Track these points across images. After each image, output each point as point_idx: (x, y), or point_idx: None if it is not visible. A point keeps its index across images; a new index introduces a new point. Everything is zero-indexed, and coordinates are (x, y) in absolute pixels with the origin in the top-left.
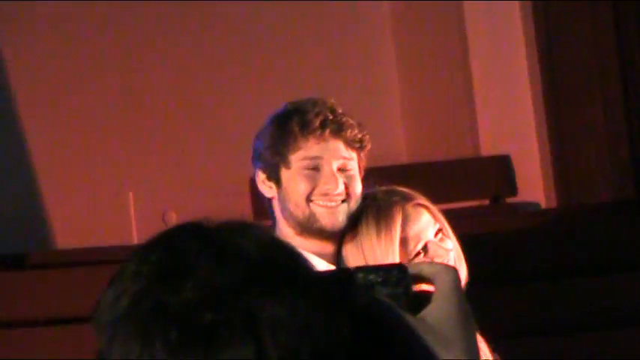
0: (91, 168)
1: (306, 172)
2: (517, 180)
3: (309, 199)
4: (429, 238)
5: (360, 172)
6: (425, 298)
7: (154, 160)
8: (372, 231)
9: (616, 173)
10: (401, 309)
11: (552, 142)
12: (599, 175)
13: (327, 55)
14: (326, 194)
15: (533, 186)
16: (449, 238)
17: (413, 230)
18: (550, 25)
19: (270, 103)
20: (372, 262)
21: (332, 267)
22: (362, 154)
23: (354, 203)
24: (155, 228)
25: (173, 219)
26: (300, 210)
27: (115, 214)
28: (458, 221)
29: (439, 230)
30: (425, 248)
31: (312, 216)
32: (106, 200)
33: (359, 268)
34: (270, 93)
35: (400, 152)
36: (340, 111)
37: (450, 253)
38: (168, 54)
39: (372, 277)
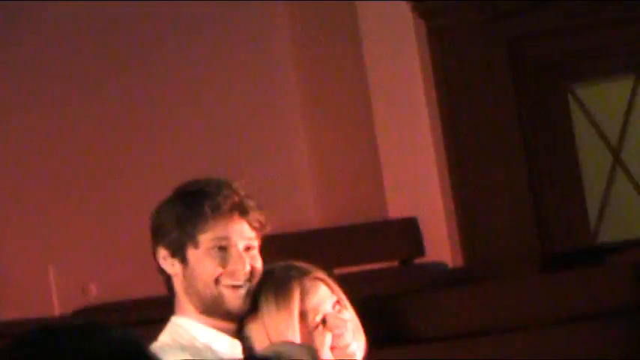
0: (12, 241)
1: (215, 251)
2: (425, 241)
3: (217, 281)
4: (327, 311)
5: (258, 251)
6: None
7: (73, 232)
8: (272, 307)
9: (520, 231)
10: None
11: (457, 203)
12: (504, 233)
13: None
14: (233, 274)
15: (441, 246)
16: (346, 309)
17: (311, 303)
18: (451, 89)
19: (184, 167)
20: (274, 337)
21: (236, 341)
22: (260, 236)
23: (255, 282)
24: (76, 300)
25: (93, 291)
26: (208, 290)
27: (36, 287)
28: (368, 283)
29: (337, 302)
30: (324, 321)
31: (219, 297)
32: (27, 272)
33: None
34: (183, 151)
35: (311, 217)
36: (243, 193)
37: (349, 323)
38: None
39: None
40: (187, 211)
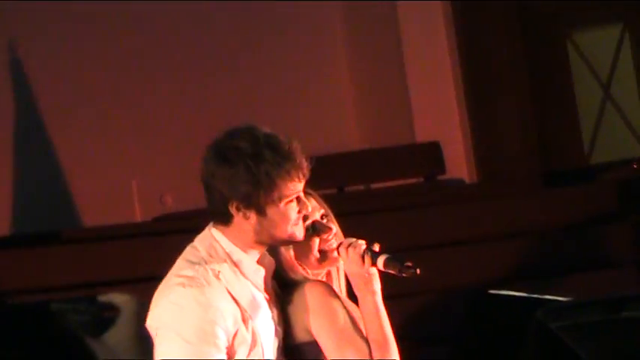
0: (103, 160)
1: (294, 204)
2: (446, 161)
3: (292, 224)
4: (315, 219)
5: None
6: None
7: (153, 150)
8: None
9: (525, 152)
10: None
11: (473, 129)
12: (512, 154)
13: (286, 55)
14: (304, 218)
15: (459, 166)
16: (333, 223)
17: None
18: (470, 35)
19: (244, 96)
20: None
21: (260, 266)
22: None
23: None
24: (154, 209)
25: (169, 201)
26: (285, 234)
27: (121, 197)
28: (399, 195)
29: (324, 215)
30: (313, 227)
31: (292, 235)
32: (113, 185)
33: (54, 300)
34: (241, 87)
35: (352, 140)
36: (306, 161)
37: (332, 233)
38: (162, 64)
39: (64, 306)
40: (264, 167)
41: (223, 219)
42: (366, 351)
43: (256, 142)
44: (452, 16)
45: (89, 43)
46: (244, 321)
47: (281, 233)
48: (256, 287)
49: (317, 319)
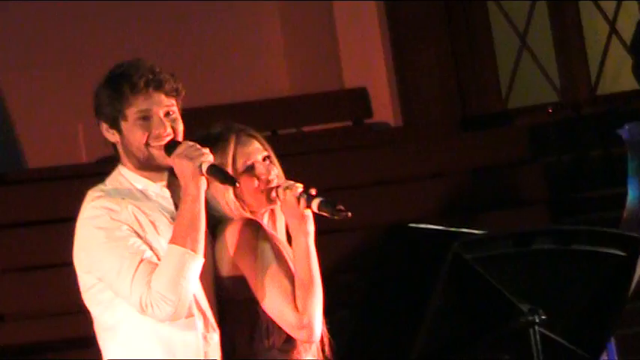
0: (51, 105)
1: (140, 122)
2: (372, 106)
3: (147, 144)
4: (257, 160)
5: (179, 113)
6: None
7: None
8: (211, 151)
9: (446, 98)
10: None
11: (398, 76)
12: (434, 100)
13: (221, 6)
14: (158, 137)
15: (385, 110)
16: (275, 165)
17: (243, 152)
18: None
19: (181, 44)
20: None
21: (165, 189)
22: (179, 100)
23: (179, 138)
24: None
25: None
26: (140, 153)
27: (68, 141)
28: (329, 138)
29: (267, 157)
30: (252, 167)
31: (150, 156)
32: (61, 129)
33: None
34: (178, 36)
35: (284, 87)
36: (157, 70)
37: (274, 172)
38: (105, 12)
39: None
40: (114, 92)
41: (114, 152)
42: (289, 289)
43: (118, 67)
44: None
45: None
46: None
47: (137, 152)
48: (162, 212)
49: (243, 255)
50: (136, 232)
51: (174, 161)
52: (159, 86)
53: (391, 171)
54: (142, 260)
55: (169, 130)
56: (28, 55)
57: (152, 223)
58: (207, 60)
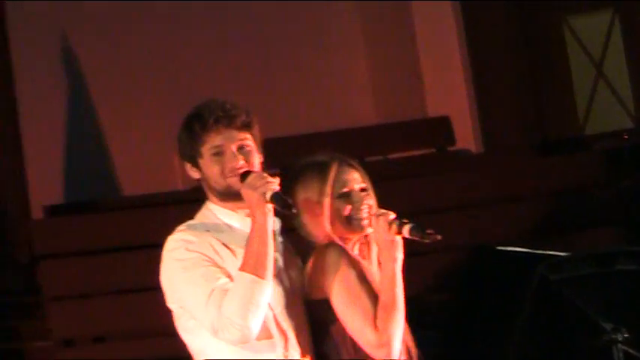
0: (150, 136)
1: (214, 157)
2: (455, 134)
3: (223, 176)
4: (353, 188)
5: (257, 147)
6: None
7: None
8: (314, 174)
9: (525, 126)
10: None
11: (478, 105)
12: (513, 127)
13: (307, 38)
14: (232, 170)
15: (467, 137)
16: (371, 198)
17: (341, 179)
18: (475, 17)
19: (269, 75)
20: (307, 199)
21: (247, 218)
22: (255, 133)
23: (254, 168)
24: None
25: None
26: (218, 185)
27: (164, 170)
28: (414, 164)
29: (364, 189)
30: (348, 194)
31: (228, 186)
32: (159, 158)
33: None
34: (267, 67)
35: (370, 116)
36: (229, 106)
37: (367, 203)
38: (198, 47)
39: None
40: (189, 133)
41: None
42: (370, 310)
43: (194, 109)
44: (459, 3)
45: (131, 30)
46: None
47: (215, 184)
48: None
49: (327, 278)
50: (212, 261)
51: (243, 191)
52: (229, 122)
53: (473, 195)
54: (214, 288)
55: (242, 162)
56: (129, 87)
57: (232, 252)
58: (298, 91)
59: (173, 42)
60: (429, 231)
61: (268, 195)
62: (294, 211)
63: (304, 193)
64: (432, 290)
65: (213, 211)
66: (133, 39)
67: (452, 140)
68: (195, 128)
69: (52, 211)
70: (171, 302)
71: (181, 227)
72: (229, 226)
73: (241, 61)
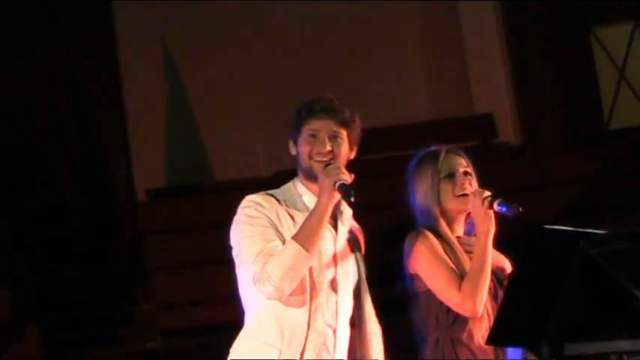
0: (238, 127)
1: (309, 138)
2: (497, 128)
3: (310, 157)
4: (457, 170)
5: (349, 144)
6: None
7: (275, 121)
8: (424, 160)
9: (558, 121)
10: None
11: (518, 103)
12: (548, 122)
13: (370, 44)
14: (319, 153)
15: (508, 131)
16: (473, 179)
17: (448, 162)
18: (515, 25)
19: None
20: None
21: (315, 198)
22: (352, 131)
23: (338, 162)
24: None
25: (286, 161)
26: (305, 163)
27: (249, 157)
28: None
29: (467, 172)
30: (452, 175)
31: (312, 168)
32: (244, 148)
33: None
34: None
35: (422, 112)
36: (336, 102)
37: (467, 183)
38: (284, 50)
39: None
40: (297, 114)
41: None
42: (454, 276)
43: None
44: (501, 14)
45: (225, 32)
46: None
47: (303, 162)
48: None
49: (417, 258)
50: (273, 224)
51: (320, 176)
52: (332, 114)
53: (514, 183)
54: (267, 247)
55: (329, 148)
56: (223, 83)
57: (294, 222)
58: (361, 89)
59: (261, 47)
60: (513, 204)
61: (338, 184)
62: (352, 199)
63: (421, 176)
64: None
65: (296, 186)
66: (226, 42)
67: (495, 134)
68: (302, 112)
69: (154, 194)
70: (234, 251)
71: (261, 192)
72: (303, 202)
73: (316, 62)
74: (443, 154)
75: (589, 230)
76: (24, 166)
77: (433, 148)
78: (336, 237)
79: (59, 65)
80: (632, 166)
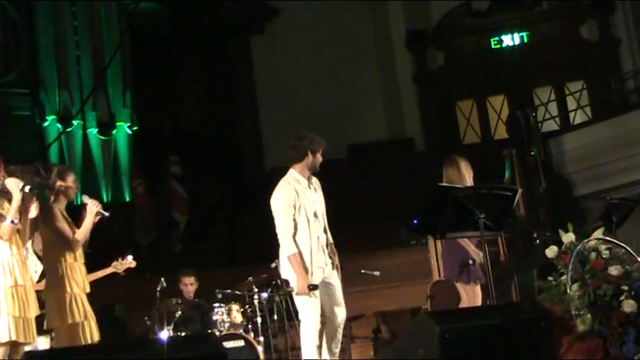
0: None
1: (318, 155)
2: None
3: (314, 165)
4: (467, 183)
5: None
6: None
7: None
8: (448, 166)
9: None
10: None
11: None
12: None
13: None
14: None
15: None
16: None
17: (463, 168)
18: None
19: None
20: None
21: (305, 180)
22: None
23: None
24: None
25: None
26: (311, 165)
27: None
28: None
29: (472, 177)
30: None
31: (314, 163)
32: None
33: None
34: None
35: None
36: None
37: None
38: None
39: None
40: (315, 145)
41: (301, 159)
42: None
43: (310, 134)
44: None
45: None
46: (298, 202)
47: (310, 165)
48: (305, 189)
49: None
50: (294, 200)
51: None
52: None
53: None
54: (289, 220)
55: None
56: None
57: (298, 194)
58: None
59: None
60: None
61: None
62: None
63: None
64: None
65: (294, 174)
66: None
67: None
68: (318, 144)
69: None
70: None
71: (285, 177)
72: (300, 185)
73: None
74: (461, 163)
75: (457, 186)
76: None
77: (451, 156)
78: (314, 192)
79: None
80: None
